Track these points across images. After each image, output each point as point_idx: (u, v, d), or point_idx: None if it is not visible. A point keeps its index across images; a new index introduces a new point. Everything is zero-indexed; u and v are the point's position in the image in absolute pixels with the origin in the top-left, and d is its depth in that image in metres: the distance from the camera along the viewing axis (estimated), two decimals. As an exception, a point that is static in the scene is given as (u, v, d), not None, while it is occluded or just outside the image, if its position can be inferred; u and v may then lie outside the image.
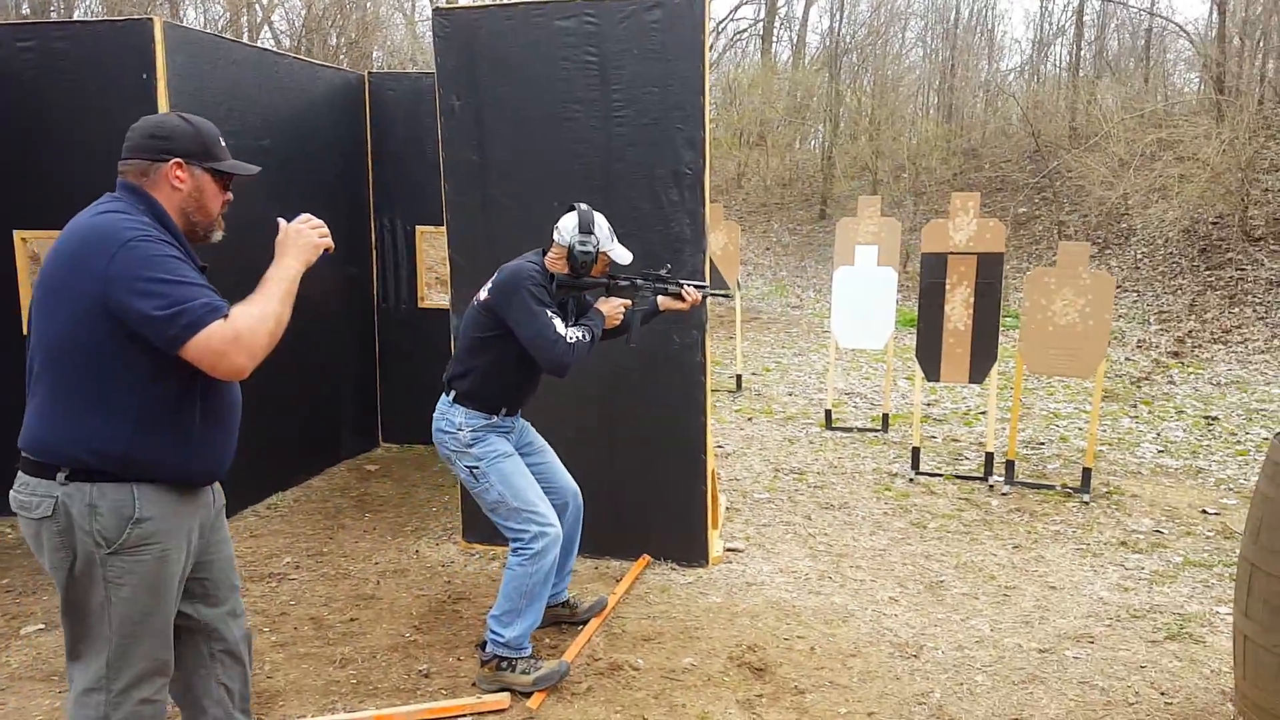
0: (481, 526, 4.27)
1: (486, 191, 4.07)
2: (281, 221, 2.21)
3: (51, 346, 1.96)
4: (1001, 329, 5.75)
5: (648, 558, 4.13)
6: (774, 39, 22.60)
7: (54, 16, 15.34)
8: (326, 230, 2.20)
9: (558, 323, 2.94)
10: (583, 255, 3.01)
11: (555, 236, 3.08)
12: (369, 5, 17.73)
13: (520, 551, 3.05)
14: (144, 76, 4.25)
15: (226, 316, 1.94)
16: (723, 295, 3.69)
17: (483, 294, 3.09)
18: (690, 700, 3.01)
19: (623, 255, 3.13)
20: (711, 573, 4.06)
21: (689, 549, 4.10)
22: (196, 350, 1.91)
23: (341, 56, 16.23)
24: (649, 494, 4.10)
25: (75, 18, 15.50)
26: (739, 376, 8.22)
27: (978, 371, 5.37)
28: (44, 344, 1.97)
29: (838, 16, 19.61)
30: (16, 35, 4.40)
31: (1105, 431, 6.51)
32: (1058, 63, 19.15)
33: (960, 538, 4.52)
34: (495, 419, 3.08)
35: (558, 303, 3.06)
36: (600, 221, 3.08)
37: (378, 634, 3.49)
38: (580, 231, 3.02)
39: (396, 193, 5.80)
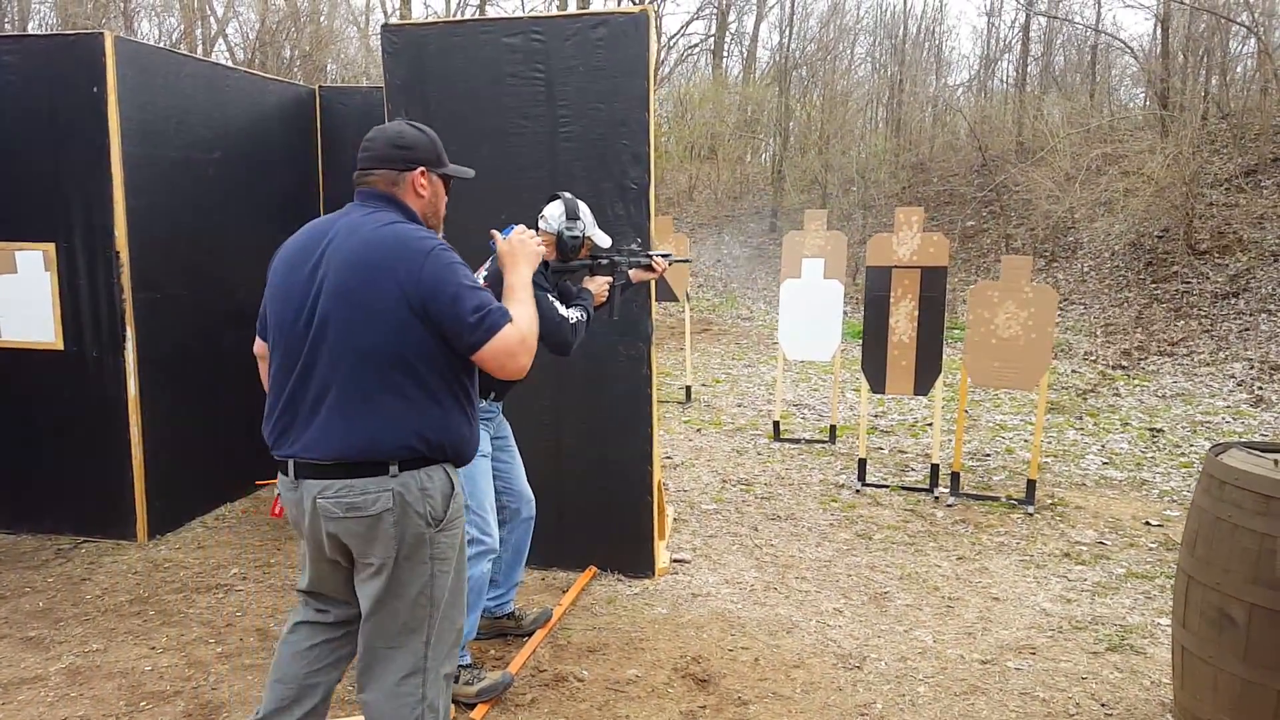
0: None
1: (433, 206, 4.07)
2: (496, 234, 2.41)
3: (366, 352, 2.05)
4: (948, 341, 5.85)
5: (594, 569, 4.14)
6: (725, 54, 22.85)
7: (8, 29, 15.04)
8: (540, 240, 2.44)
9: (559, 305, 3.03)
10: (571, 240, 3.15)
11: (541, 225, 3.19)
12: (323, 19, 17.60)
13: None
14: (94, 90, 4.23)
15: (511, 320, 2.11)
16: (683, 261, 3.86)
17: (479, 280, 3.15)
18: (634, 712, 3.02)
19: (604, 239, 3.28)
20: (658, 584, 4.08)
21: (635, 560, 4.12)
22: (491, 351, 2.07)
23: (295, 69, 16.10)
24: (596, 506, 4.12)
25: (29, 30, 15.22)
26: (688, 388, 8.27)
27: (922, 384, 5.46)
28: (353, 350, 2.05)
29: (788, 32, 19.89)
30: (-36, 49, 4.36)
31: (1050, 443, 6.64)
32: (1005, 78, 19.59)
33: (905, 549, 4.58)
34: (484, 403, 3.13)
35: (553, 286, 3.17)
36: (584, 208, 3.21)
37: (321, 651, 3.46)
38: (567, 218, 3.15)
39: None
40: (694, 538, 4.70)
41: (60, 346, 4.46)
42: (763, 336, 11.93)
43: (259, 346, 2.35)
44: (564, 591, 3.95)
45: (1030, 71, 18.14)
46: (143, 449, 4.47)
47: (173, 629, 3.61)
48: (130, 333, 4.41)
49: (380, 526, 2.06)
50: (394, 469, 2.07)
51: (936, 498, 5.39)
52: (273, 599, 3.89)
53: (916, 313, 5.41)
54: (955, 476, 5.41)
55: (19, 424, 4.57)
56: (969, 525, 4.94)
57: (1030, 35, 17.94)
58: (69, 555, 4.37)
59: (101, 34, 4.23)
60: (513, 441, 3.42)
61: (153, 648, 3.46)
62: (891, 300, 5.44)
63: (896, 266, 5.43)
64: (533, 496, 3.44)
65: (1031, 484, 5.23)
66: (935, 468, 5.50)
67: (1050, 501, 5.33)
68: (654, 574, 4.12)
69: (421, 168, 2.24)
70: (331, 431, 2.06)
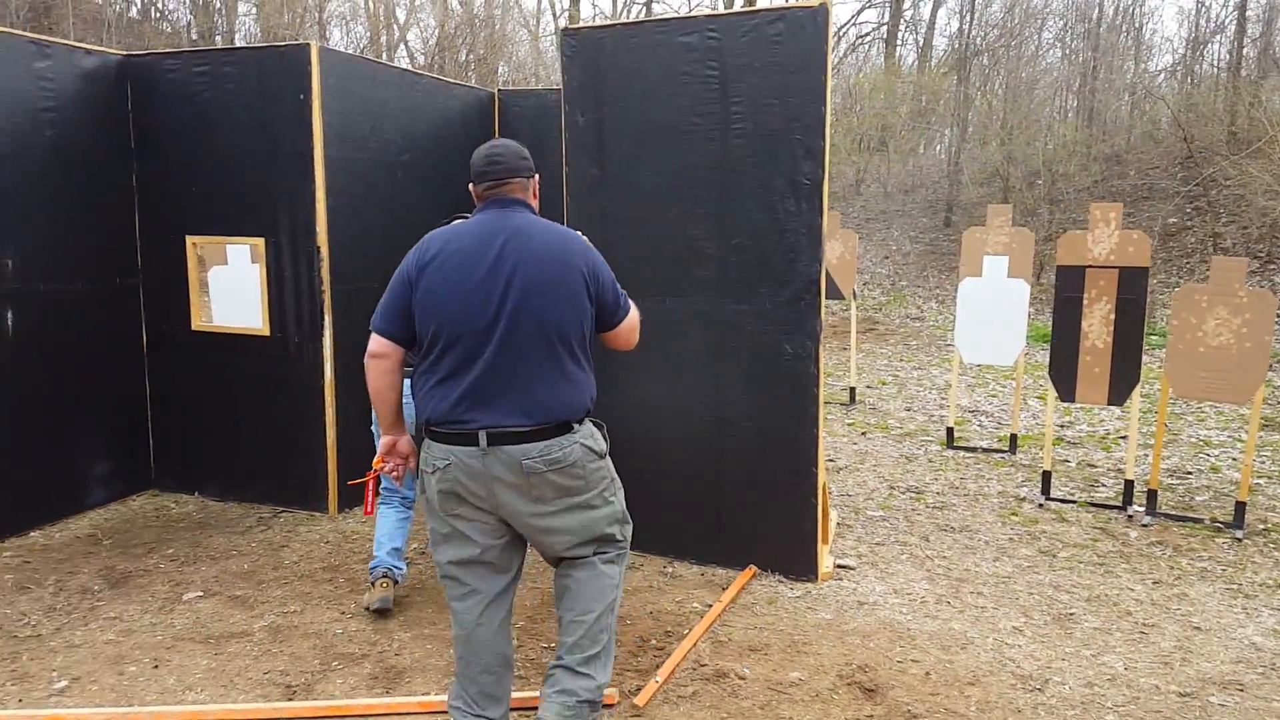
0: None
1: (604, 204, 4.15)
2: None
3: (562, 333, 2.50)
4: (1146, 348, 5.40)
5: (754, 569, 4.09)
6: (898, 42, 22.06)
7: (218, 41, 16.55)
8: None
9: None
10: None
11: None
12: (497, 23, 18.34)
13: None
14: (301, 97, 4.55)
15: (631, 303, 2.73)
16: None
17: None
18: (798, 714, 2.97)
19: None
20: (821, 589, 3.98)
21: (797, 563, 4.04)
22: (624, 326, 2.70)
23: (470, 72, 16.86)
24: (757, 505, 4.07)
25: (237, 40, 16.71)
26: (853, 389, 8.04)
27: (1117, 393, 5.07)
28: (552, 332, 2.48)
29: (967, 18, 18.92)
30: (193, 62, 4.83)
31: (1265, 464, 6.02)
32: (1215, 62, 17.86)
33: (1093, 569, 4.27)
34: None
35: None
36: None
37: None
38: None
39: (522, 203, 5.97)
40: (859, 544, 4.56)
41: (267, 333, 4.85)
42: (934, 337, 11.46)
43: (385, 346, 2.56)
44: (723, 589, 3.93)
45: (1246, 54, 16.48)
46: (335, 429, 4.81)
47: (360, 596, 3.85)
48: (328, 321, 4.74)
49: (576, 469, 2.52)
50: (576, 425, 2.54)
51: (1130, 516, 4.99)
52: (448, 576, 4.08)
53: (1113, 316, 5.03)
54: (1152, 494, 4.99)
55: (230, 402, 5.01)
56: (1167, 547, 4.55)
57: (1247, 14, 16.30)
58: (269, 523, 4.76)
59: (308, 45, 4.55)
60: None
61: (343, 612, 3.71)
62: (1085, 302, 5.08)
63: (1091, 266, 5.06)
64: None
65: (1241, 506, 4.76)
66: (1129, 484, 5.10)
67: (1263, 527, 4.83)
68: (817, 578, 4.03)
69: (537, 175, 2.71)
70: (535, 402, 2.46)
